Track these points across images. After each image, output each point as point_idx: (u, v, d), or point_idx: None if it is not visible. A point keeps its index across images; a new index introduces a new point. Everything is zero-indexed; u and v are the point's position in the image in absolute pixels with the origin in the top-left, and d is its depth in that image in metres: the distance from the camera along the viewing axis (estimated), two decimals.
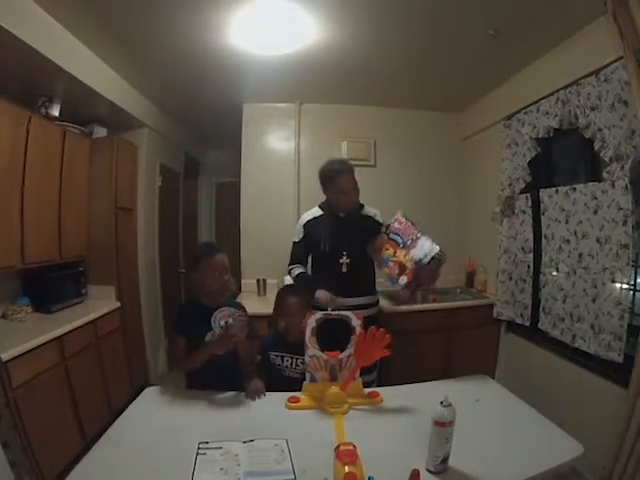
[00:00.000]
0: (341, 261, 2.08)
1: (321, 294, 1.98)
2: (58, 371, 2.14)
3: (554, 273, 2.40)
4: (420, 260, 1.71)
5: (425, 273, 1.72)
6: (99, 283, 2.94)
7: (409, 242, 1.79)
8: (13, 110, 2.14)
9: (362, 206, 2.20)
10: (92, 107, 2.85)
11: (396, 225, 1.90)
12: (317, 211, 2.23)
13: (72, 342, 2.26)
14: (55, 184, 2.53)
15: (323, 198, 2.23)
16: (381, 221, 2.15)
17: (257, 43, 2.35)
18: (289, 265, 2.26)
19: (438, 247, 1.70)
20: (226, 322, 1.56)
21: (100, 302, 2.83)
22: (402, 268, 1.76)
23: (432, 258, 1.68)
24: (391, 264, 1.82)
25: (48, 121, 2.48)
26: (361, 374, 1.59)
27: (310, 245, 2.19)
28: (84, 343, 2.40)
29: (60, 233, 2.57)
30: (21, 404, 1.80)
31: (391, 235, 1.89)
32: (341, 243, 2.09)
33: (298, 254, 2.24)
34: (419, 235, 1.77)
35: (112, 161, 2.99)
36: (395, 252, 1.83)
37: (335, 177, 2.08)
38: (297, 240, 2.25)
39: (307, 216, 2.24)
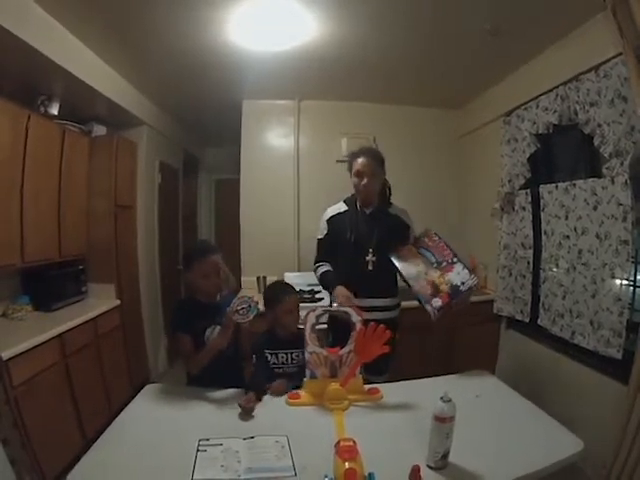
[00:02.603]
0: (367, 259, 1.95)
1: (340, 291, 1.82)
2: (58, 369, 2.14)
3: (554, 269, 2.40)
4: (457, 287, 1.74)
5: (459, 298, 1.75)
6: (99, 281, 2.94)
7: (444, 264, 1.81)
8: (12, 109, 2.14)
9: (390, 204, 2.10)
10: (91, 105, 2.85)
11: (427, 241, 1.90)
12: (342, 206, 2.09)
13: (72, 340, 2.27)
14: (54, 182, 2.53)
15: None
16: (408, 222, 2.06)
17: (256, 40, 2.34)
18: (315, 263, 2.10)
19: (476, 278, 1.76)
20: (246, 308, 1.52)
21: (100, 300, 2.83)
22: (435, 289, 1.77)
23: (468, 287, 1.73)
24: (423, 282, 1.81)
25: (47, 120, 2.48)
26: (370, 374, 1.59)
27: (335, 241, 2.04)
28: (84, 341, 2.41)
29: (60, 231, 2.57)
30: (21, 402, 1.80)
31: (421, 250, 1.88)
32: (368, 240, 1.96)
33: (324, 251, 2.08)
34: (455, 260, 1.80)
35: (111, 159, 2.99)
36: (427, 271, 1.83)
37: (351, 161, 2.01)
38: (321, 237, 2.09)
39: (331, 211, 2.09)
